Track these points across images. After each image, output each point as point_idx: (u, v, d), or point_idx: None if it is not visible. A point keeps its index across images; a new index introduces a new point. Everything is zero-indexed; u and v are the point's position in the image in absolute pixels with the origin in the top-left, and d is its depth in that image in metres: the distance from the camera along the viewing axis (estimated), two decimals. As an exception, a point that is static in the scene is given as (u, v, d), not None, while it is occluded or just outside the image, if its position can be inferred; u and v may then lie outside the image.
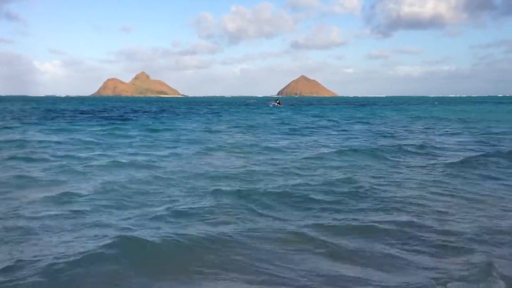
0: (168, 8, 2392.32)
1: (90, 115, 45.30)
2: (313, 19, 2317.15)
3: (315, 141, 20.06)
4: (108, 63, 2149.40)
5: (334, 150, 16.05)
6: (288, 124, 32.76)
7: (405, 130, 26.38)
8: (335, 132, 25.32)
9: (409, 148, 15.96)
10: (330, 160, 13.93)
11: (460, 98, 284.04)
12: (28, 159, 13.84)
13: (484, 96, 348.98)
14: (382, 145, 17.07)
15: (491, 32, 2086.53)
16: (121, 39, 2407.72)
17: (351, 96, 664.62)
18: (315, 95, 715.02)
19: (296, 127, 29.69)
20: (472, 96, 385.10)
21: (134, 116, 43.63)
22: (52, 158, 14.17)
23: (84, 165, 12.80)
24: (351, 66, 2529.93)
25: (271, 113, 51.42)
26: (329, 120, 38.34)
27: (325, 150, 16.22)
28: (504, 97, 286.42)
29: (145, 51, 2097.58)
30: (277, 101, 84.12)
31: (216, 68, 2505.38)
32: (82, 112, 52.46)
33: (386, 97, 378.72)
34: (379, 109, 70.45)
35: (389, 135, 23.18)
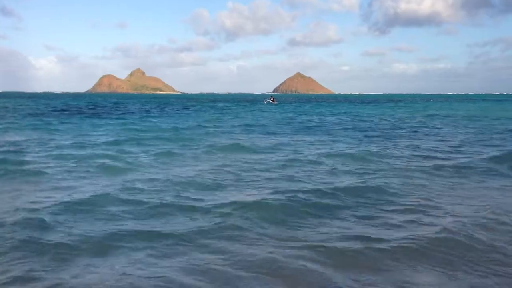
0: (165, 4, 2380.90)
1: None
2: (311, 16, 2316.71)
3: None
4: (104, 59, 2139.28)
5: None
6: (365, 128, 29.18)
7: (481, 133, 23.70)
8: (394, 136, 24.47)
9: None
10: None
11: (458, 96, 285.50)
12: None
13: (482, 94, 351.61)
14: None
15: (487, 31, 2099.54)
16: (117, 35, 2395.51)
17: (348, 93, 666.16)
18: (310, 93, 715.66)
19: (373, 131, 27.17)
20: (469, 94, 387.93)
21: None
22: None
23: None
24: (347, 63, 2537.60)
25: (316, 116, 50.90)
26: (372, 121, 37.90)
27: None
28: (501, 95, 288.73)
29: (141, 48, 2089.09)
30: (272, 98, 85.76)
31: (212, 65, 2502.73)
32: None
33: (383, 95, 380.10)
34: (396, 107, 70.52)
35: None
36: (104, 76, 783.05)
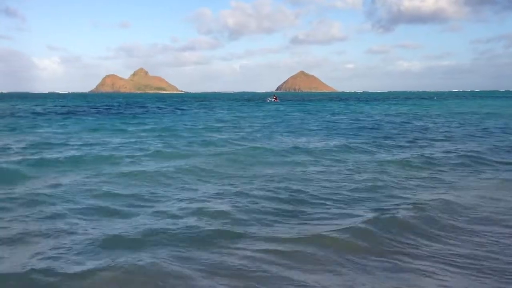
0: (167, 3, 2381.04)
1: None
2: (314, 14, 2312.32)
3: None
4: (107, 59, 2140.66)
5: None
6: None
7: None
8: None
9: None
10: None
11: (464, 92, 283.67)
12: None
13: (488, 91, 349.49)
14: None
15: (491, 27, 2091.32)
16: (120, 35, 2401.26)
17: (352, 91, 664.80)
18: (314, 91, 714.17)
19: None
20: (475, 91, 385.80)
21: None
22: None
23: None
24: (351, 61, 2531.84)
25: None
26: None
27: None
28: (507, 92, 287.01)
29: (144, 47, 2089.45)
30: (274, 97, 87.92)
31: (215, 64, 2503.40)
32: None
33: (388, 92, 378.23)
34: (406, 105, 69.56)
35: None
36: (107, 76, 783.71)
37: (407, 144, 18.39)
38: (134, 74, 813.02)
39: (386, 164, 13.24)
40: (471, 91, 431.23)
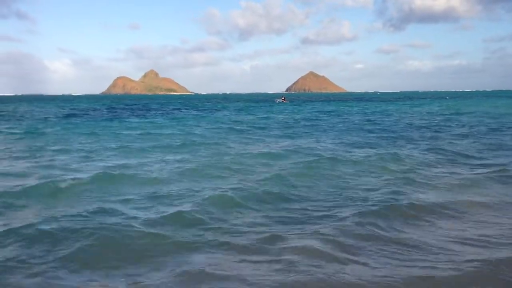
0: (176, 4, 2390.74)
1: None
2: (324, 13, 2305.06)
3: None
4: (117, 61, 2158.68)
5: None
6: None
7: None
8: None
9: None
10: None
11: (477, 92, 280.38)
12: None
13: (502, 90, 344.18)
14: None
15: (503, 26, 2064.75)
16: (130, 36, 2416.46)
17: (362, 91, 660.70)
18: (323, 91, 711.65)
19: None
20: (487, 91, 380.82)
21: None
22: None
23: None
24: (360, 61, 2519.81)
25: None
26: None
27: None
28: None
29: (153, 49, 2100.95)
30: (283, 98, 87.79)
31: (225, 65, 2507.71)
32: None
33: (400, 92, 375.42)
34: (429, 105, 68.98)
35: None
36: (118, 78, 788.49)
37: (478, 153, 16.50)
38: (144, 76, 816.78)
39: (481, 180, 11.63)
40: (483, 90, 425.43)
